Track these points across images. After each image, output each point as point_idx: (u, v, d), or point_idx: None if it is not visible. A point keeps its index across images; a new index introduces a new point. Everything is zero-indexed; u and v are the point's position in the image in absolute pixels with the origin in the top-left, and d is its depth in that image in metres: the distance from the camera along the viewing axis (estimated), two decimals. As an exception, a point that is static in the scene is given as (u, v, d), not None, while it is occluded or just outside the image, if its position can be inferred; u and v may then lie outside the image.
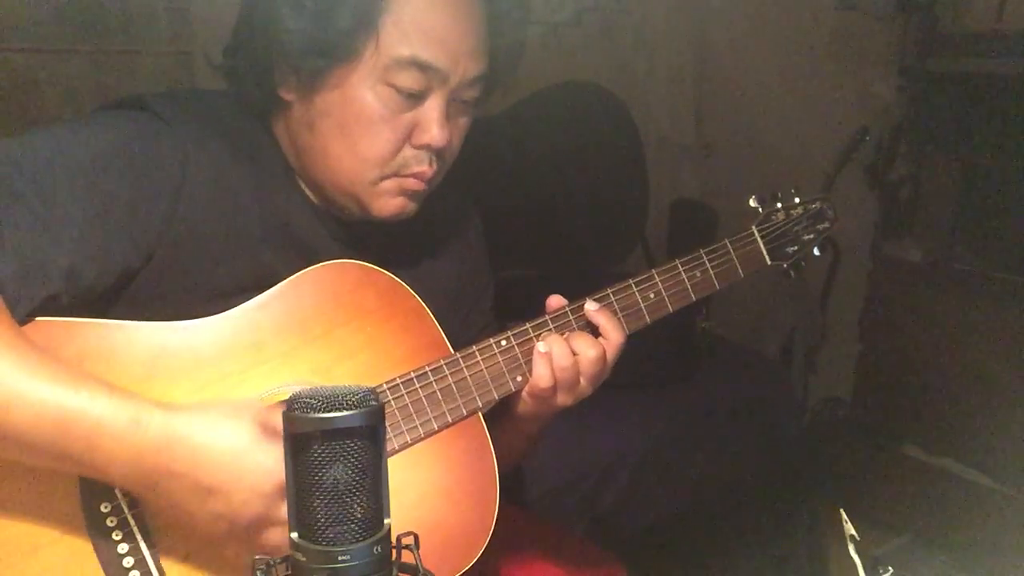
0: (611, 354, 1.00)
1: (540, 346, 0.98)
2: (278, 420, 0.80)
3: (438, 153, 0.95)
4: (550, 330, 1.00)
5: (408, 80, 0.90)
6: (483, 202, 1.19)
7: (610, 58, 2.66)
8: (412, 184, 0.96)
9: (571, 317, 1.01)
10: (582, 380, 0.99)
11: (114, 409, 0.76)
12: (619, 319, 1.02)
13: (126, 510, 0.84)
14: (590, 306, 1.01)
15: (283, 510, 0.79)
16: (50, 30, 1.75)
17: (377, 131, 0.92)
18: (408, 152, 0.94)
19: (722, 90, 2.75)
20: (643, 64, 2.76)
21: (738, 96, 2.69)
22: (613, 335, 1.00)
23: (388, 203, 0.96)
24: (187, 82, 1.89)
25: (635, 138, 2.44)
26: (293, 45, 0.89)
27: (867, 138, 2.16)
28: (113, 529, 0.83)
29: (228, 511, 0.79)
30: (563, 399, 1.00)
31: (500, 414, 1.05)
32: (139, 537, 0.84)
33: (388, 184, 0.95)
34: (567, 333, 0.99)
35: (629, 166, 2.44)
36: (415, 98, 0.92)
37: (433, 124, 0.92)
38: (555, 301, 1.03)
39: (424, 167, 0.95)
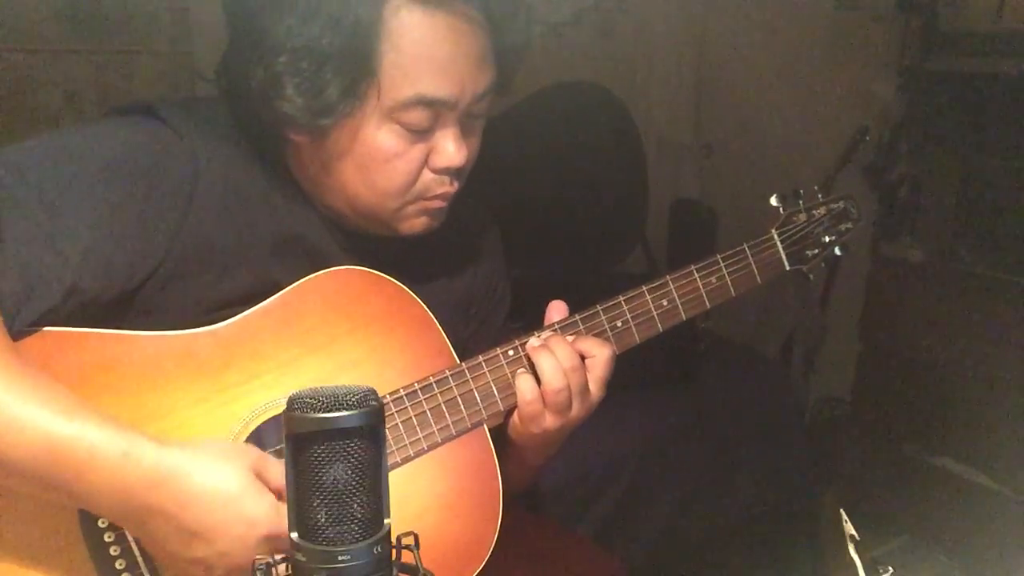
0: (601, 372, 0.96)
1: (521, 372, 0.95)
2: (272, 468, 0.79)
3: (458, 170, 0.94)
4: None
5: (416, 117, 0.87)
6: (483, 202, 1.18)
7: (610, 58, 2.66)
8: (436, 204, 0.95)
9: (582, 327, 0.98)
10: (575, 403, 0.95)
11: (106, 440, 0.74)
12: (602, 339, 0.98)
13: (129, 536, 0.82)
14: (568, 339, 0.96)
15: None
16: (50, 30, 1.75)
17: (393, 167, 0.90)
18: (428, 177, 0.92)
19: (722, 90, 2.74)
20: (643, 64, 2.75)
21: (738, 96, 2.68)
22: (599, 352, 0.96)
23: (414, 223, 0.96)
24: (187, 82, 1.89)
25: (635, 138, 2.44)
26: (292, 115, 0.86)
27: (867, 138, 2.16)
28: (111, 544, 0.82)
29: (209, 557, 0.77)
30: (552, 420, 0.95)
31: (503, 446, 1.02)
32: (140, 561, 0.83)
33: (412, 209, 0.94)
34: (560, 353, 0.94)
35: (629, 166, 2.44)
36: (427, 130, 0.90)
37: (449, 148, 0.90)
38: (556, 310, 0.99)
39: (446, 188, 0.94)
